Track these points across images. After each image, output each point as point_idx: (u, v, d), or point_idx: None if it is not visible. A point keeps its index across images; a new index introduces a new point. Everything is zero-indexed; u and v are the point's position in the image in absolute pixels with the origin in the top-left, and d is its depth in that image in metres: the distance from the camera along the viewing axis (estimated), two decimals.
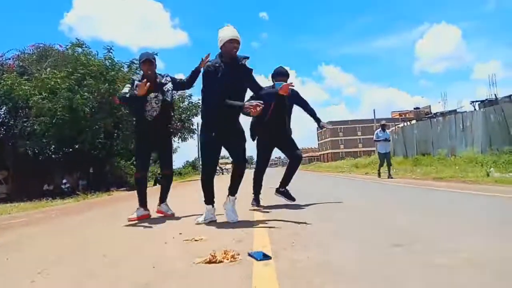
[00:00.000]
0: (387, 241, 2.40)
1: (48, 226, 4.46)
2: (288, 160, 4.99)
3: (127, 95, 3.99)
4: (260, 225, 3.32)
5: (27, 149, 15.41)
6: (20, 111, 15.99)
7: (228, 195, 3.73)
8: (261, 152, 4.89)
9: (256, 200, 4.86)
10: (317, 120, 5.01)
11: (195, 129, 23.02)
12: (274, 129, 4.73)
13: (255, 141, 4.90)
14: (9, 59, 17.10)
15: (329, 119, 78.04)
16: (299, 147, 5.04)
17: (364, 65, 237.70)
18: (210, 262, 2.08)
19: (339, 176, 15.77)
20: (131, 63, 16.87)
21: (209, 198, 3.70)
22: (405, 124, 25.33)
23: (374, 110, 41.00)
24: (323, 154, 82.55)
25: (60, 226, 4.39)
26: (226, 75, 3.43)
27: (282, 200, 4.87)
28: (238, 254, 2.17)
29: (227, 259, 2.10)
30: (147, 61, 4.07)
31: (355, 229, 3.03)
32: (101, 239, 3.31)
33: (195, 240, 2.76)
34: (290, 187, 4.91)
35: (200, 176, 4.01)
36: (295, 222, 3.34)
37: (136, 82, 4.01)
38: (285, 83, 3.89)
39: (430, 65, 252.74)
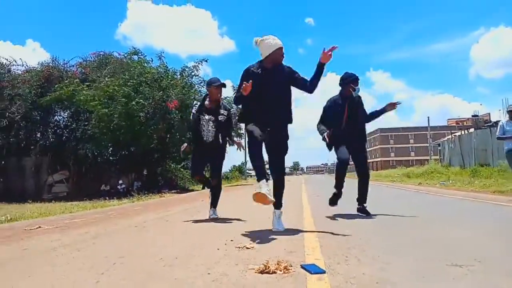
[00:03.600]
0: (446, 259, 2.30)
1: (108, 227, 4.71)
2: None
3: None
4: (312, 236, 3.30)
5: (87, 151, 16.43)
6: (82, 115, 17.09)
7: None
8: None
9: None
10: None
11: (243, 133, 22.83)
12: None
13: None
14: (73, 66, 18.28)
15: (379, 126, 75.88)
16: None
17: (415, 70, 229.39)
18: (263, 272, 2.11)
19: (391, 186, 15.24)
20: (183, 70, 17.52)
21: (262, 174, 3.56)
22: (463, 132, 23.97)
23: (428, 118, 39.46)
24: (373, 162, 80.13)
25: (119, 227, 4.63)
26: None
27: (334, 210, 4.82)
28: (291, 266, 2.18)
29: (280, 270, 2.11)
30: (222, 85, 4.44)
31: (411, 245, 2.93)
32: (156, 241, 3.45)
33: (247, 248, 2.81)
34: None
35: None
36: (348, 235, 3.29)
37: (196, 103, 4.68)
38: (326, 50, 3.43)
39: (487, 71, 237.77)
